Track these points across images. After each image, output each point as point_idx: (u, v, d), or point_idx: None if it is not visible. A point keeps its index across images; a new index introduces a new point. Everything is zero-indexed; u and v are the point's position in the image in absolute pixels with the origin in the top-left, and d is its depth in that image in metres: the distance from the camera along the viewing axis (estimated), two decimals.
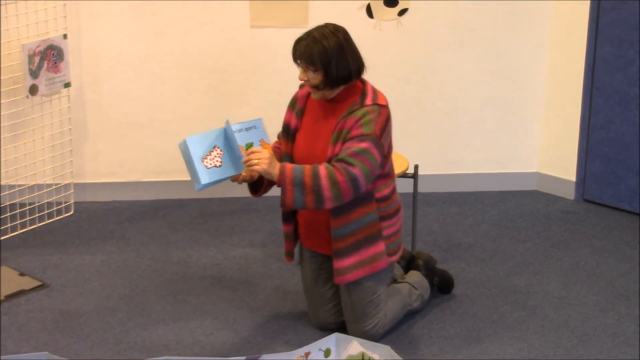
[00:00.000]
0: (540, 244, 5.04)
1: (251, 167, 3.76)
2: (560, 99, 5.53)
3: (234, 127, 3.82)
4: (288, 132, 4.03)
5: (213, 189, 5.55)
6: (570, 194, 5.60)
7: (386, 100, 3.89)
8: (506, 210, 5.46)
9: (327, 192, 3.73)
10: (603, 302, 4.44)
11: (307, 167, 3.76)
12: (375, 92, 3.89)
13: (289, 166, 3.76)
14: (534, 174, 5.72)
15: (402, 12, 5.36)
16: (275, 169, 3.75)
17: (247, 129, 3.88)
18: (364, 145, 3.76)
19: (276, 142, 4.15)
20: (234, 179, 3.86)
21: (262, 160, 3.74)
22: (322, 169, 3.74)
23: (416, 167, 4.65)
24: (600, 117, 5.40)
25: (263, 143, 3.89)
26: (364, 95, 3.86)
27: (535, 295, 4.50)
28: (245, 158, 3.76)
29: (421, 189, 5.10)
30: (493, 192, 5.67)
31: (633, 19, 5.15)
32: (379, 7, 5.34)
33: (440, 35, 5.44)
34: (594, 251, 4.96)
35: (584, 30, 5.34)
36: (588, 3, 5.29)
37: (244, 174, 3.84)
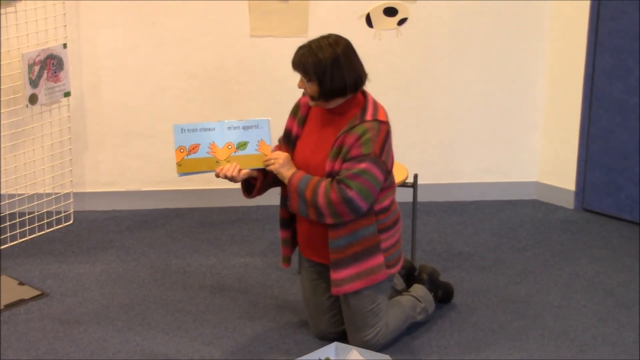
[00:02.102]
0: (540, 253, 5.04)
1: (268, 168, 3.91)
2: (560, 108, 5.53)
3: (230, 124, 3.92)
4: (289, 139, 4.04)
5: (213, 198, 5.57)
6: (569, 203, 5.60)
7: (386, 116, 3.88)
8: (506, 219, 5.45)
9: (325, 209, 3.80)
10: (603, 312, 4.44)
11: (312, 182, 3.82)
12: (376, 106, 3.88)
13: (297, 175, 3.86)
14: (533, 183, 5.72)
15: (402, 22, 5.36)
16: (289, 171, 3.89)
17: (245, 128, 3.93)
18: (363, 165, 3.77)
19: (276, 146, 4.14)
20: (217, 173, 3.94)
21: (277, 161, 3.90)
22: (322, 186, 3.80)
23: (416, 176, 4.65)
24: (600, 127, 5.40)
25: (262, 144, 3.92)
26: (364, 109, 3.85)
27: (535, 305, 4.50)
28: (265, 158, 3.91)
29: (421, 198, 5.09)
30: (493, 202, 5.67)
31: (632, 29, 5.16)
32: (378, 16, 5.34)
33: (439, 44, 5.45)
34: (594, 261, 4.96)
35: (583, 40, 5.35)
36: (587, 13, 5.29)
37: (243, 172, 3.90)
